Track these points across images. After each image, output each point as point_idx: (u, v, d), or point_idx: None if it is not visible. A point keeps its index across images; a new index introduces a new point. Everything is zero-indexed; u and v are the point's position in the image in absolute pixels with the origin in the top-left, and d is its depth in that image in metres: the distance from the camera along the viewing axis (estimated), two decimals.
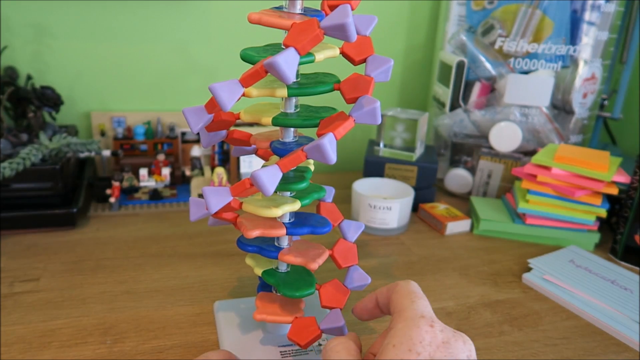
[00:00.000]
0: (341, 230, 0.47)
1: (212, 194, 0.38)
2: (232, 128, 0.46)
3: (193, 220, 0.42)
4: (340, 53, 0.39)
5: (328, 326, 0.43)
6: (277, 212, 0.40)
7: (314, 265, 0.42)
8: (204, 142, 0.45)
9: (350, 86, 0.38)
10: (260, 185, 0.36)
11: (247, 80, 0.36)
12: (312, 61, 0.38)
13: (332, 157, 0.36)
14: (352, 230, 0.47)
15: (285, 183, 0.41)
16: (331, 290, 0.44)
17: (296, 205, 0.42)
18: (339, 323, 0.43)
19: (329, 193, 0.48)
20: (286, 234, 0.43)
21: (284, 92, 0.39)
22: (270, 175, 0.36)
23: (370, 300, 0.42)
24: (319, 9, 0.39)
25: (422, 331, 0.33)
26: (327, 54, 0.39)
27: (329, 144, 0.35)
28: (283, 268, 0.46)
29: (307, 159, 0.37)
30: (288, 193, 0.43)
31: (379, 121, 0.37)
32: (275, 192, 0.43)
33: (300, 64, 0.37)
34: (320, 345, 0.47)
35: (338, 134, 0.36)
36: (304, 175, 0.42)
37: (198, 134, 0.88)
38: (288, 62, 0.34)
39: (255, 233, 0.42)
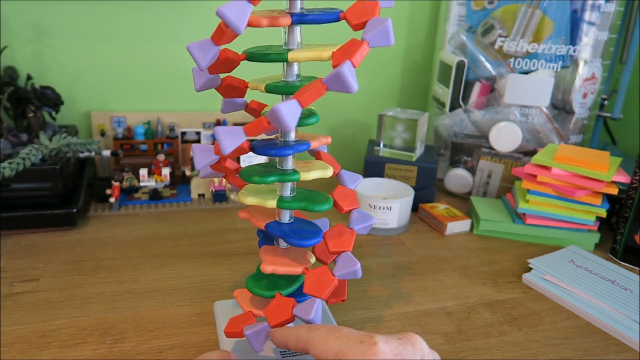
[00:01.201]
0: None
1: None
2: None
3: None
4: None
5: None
6: (246, 200, 0.42)
7: (266, 267, 0.41)
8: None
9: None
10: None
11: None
12: (286, 60, 0.38)
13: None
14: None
15: (252, 173, 0.40)
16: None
17: (269, 204, 0.42)
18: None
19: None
20: (264, 229, 0.43)
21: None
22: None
23: (281, 342, 0.38)
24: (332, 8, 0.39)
25: (370, 355, 0.30)
26: (312, 55, 0.38)
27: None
28: (286, 219, 0.45)
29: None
30: (289, 192, 0.43)
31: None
32: (260, 184, 0.43)
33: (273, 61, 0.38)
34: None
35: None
36: (277, 172, 0.42)
37: (199, 135, 0.88)
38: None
39: (242, 215, 0.45)
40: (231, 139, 0.36)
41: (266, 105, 0.46)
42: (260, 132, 0.37)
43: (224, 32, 0.36)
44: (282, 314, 0.40)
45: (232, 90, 0.44)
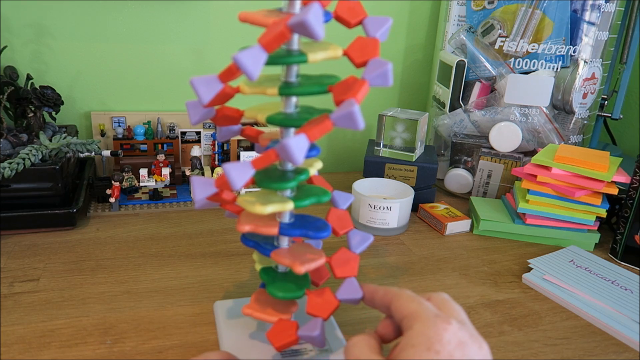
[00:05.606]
0: (347, 240, 0.46)
1: (235, 169, 0.37)
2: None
3: (198, 200, 0.40)
4: (343, 54, 0.39)
5: (305, 333, 0.41)
6: (262, 209, 0.39)
7: (300, 268, 0.40)
8: (194, 118, 0.42)
9: (358, 50, 0.38)
10: (290, 154, 0.34)
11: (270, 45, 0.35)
12: (305, 61, 0.37)
13: (362, 123, 0.35)
14: (358, 241, 0.45)
15: (269, 181, 0.40)
16: (319, 299, 0.42)
17: (287, 206, 0.40)
18: (314, 332, 0.40)
19: (345, 200, 0.47)
20: (278, 234, 0.42)
21: (274, 90, 0.39)
22: (299, 144, 0.35)
23: (369, 292, 0.42)
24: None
25: (440, 329, 0.32)
26: (327, 54, 0.38)
27: (358, 111, 0.35)
28: (282, 268, 0.46)
29: (335, 126, 0.36)
30: (288, 192, 0.43)
31: (391, 83, 0.37)
32: (274, 190, 0.43)
33: (293, 62, 0.37)
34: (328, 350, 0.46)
35: (359, 100, 0.36)
36: (295, 176, 0.41)
37: (199, 135, 0.88)
38: (253, 58, 0.34)
39: (246, 228, 0.41)
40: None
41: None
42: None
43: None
44: (328, 306, 0.42)
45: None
